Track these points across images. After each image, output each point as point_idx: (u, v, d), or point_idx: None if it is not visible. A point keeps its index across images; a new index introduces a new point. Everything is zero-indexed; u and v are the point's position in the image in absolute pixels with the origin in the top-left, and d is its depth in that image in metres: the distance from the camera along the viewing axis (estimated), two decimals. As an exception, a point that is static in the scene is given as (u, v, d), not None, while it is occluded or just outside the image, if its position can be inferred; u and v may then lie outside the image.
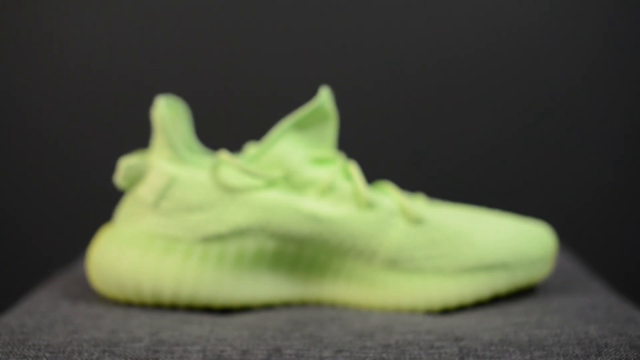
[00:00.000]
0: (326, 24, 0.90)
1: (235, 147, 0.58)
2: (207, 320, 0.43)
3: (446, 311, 0.46)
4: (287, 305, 0.47)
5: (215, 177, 0.44)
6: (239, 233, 0.44)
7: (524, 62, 0.91)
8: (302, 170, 0.45)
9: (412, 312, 0.45)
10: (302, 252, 0.45)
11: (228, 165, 0.45)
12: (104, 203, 0.65)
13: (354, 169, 0.46)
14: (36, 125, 0.91)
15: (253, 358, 0.38)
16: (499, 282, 0.46)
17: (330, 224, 0.45)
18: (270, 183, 0.45)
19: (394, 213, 0.45)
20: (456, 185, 0.92)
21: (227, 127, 0.90)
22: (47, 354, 0.38)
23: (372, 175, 0.50)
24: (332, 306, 0.47)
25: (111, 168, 0.46)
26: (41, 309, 0.44)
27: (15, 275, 0.90)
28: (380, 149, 0.92)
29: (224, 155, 0.44)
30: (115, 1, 0.89)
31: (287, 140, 0.45)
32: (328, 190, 0.45)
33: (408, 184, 0.55)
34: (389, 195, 0.47)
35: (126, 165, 0.45)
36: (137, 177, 0.45)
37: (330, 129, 0.46)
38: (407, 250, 0.45)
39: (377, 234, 0.45)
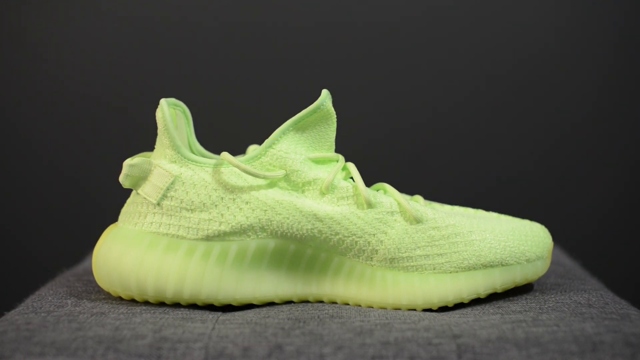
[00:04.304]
0: (327, 27, 0.91)
1: (236, 148, 0.58)
2: (209, 317, 0.43)
3: (444, 309, 0.46)
4: (288, 302, 0.47)
5: (217, 177, 0.45)
6: (240, 232, 0.45)
7: (522, 66, 0.92)
8: (302, 170, 0.46)
9: (411, 309, 0.46)
10: (302, 250, 0.46)
11: (229, 165, 0.45)
12: (109, 204, 0.65)
13: (353, 168, 0.47)
14: (40, 129, 0.91)
15: (254, 355, 0.38)
16: (497, 281, 0.47)
17: (331, 223, 0.45)
18: (271, 183, 0.45)
19: (393, 212, 0.46)
20: (454, 188, 0.93)
21: (229, 128, 0.90)
22: (53, 351, 0.38)
23: (371, 177, 0.50)
24: (332, 304, 0.47)
25: (116, 169, 0.47)
26: (46, 307, 0.45)
27: (21, 274, 0.90)
28: (380, 151, 0.92)
29: (225, 155, 0.45)
30: (121, 4, 0.90)
31: (287, 141, 0.46)
32: (328, 189, 0.46)
33: (407, 186, 0.55)
34: (388, 195, 0.47)
35: (129, 165, 0.45)
36: (140, 177, 0.46)
37: (331, 130, 0.47)
38: (406, 249, 0.46)
39: (377, 233, 0.46)
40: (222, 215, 0.45)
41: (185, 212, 0.45)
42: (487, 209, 0.53)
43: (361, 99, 0.91)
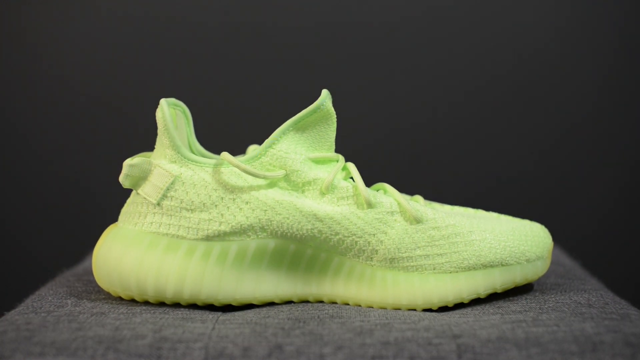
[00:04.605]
0: (327, 27, 0.91)
1: (236, 148, 0.58)
2: (209, 317, 0.43)
3: (444, 309, 0.46)
4: (288, 302, 0.47)
5: (217, 177, 0.45)
6: (240, 232, 0.45)
7: (522, 66, 0.92)
8: (302, 170, 0.46)
9: (411, 309, 0.46)
10: (302, 250, 0.46)
11: (229, 165, 0.45)
12: (108, 204, 0.65)
13: (353, 168, 0.47)
14: (40, 129, 0.91)
15: (254, 355, 0.38)
16: (497, 281, 0.47)
17: (331, 223, 0.45)
18: (271, 183, 0.45)
19: (393, 212, 0.46)
20: (454, 188, 0.93)
21: (229, 128, 0.90)
22: (53, 351, 0.38)
23: (371, 177, 0.50)
24: (332, 304, 0.47)
25: (116, 169, 0.47)
26: (46, 307, 0.45)
27: (21, 274, 0.90)
28: (380, 151, 0.92)
29: (225, 155, 0.45)
30: (121, 4, 0.90)
31: (287, 141, 0.46)
32: (328, 189, 0.46)
33: (407, 186, 0.55)
34: (388, 195, 0.47)
35: (129, 165, 0.45)
36: (140, 177, 0.46)
37: (331, 130, 0.47)
38: (406, 249, 0.46)
39: (377, 233, 0.46)
40: (222, 215, 0.45)
41: (185, 212, 0.45)
42: (487, 209, 0.53)
43: (361, 99, 0.91)
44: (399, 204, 0.46)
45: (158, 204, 0.45)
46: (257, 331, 0.41)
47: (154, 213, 0.45)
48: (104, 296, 0.48)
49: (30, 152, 0.91)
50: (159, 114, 0.45)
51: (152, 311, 0.44)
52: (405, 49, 0.91)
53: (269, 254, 0.46)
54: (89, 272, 0.55)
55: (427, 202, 0.50)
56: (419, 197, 0.50)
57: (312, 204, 0.45)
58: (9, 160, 0.91)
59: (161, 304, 0.45)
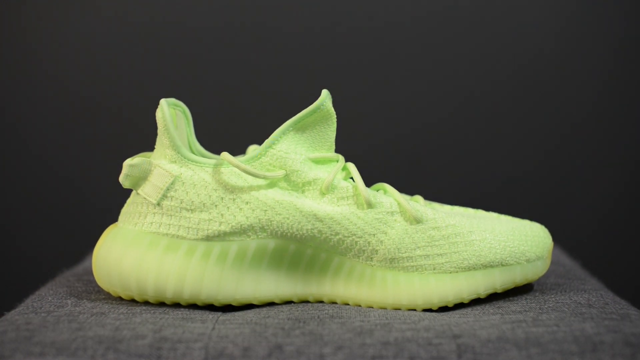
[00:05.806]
0: (327, 28, 0.91)
1: (236, 148, 0.58)
2: (209, 317, 0.43)
3: (444, 309, 0.46)
4: (288, 302, 0.47)
5: (217, 177, 0.45)
6: (240, 232, 0.45)
7: (522, 67, 0.92)
8: (302, 170, 0.46)
9: (411, 309, 0.46)
10: (302, 250, 0.46)
11: (229, 165, 0.45)
12: (108, 204, 0.65)
13: (353, 169, 0.47)
14: (40, 129, 0.91)
15: (254, 355, 0.38)
16: (497, 281, 0.47)
17: (331, 223, 0.45)
18: (271, 183, 0.45)
19: (393, 212, 0.46)
20: (454, 188, 0.93)
21: (229, 128, 0.90)
22: (53, 351, 0.38)
23: (371, 177, 0.50)
24: (332, 304, 0.47)
25: (116, 170, 0.47)
26: (46, 307, 0.45)
27: (21, 274, 0.90)
28: (380, 151, 0.92)
29: (225, 155, 0.45)
30: (121, 5, 0.90)
31: (288, 141, 0.46)
32: (328, 189, 0.46)
33: (407, 186, 0.55)
34: (388, 195, 0.47)
35: (129, 165, 0.45)
36: (140, 177, 0.46)
37: (331, 130, 0.47)
38: (406, 249, 0.46)
39: (377, 233, 0.46)
40: (222, 215, 0.45)
41: (185, 212, 0.45)
42: (487, 209, 0.53)
43: (361, 99, 0.91)
44: (399, 204, 0.46)
45: (158, 204, 0.45)
46: (257, 331, 0.41)
47: (154, 213, 0.45)
48: (104, 296, 0.48)
49: (30, 152, 0.91)
50: (159, 114, 0.45)
51: (152, 311, 0.44)
52: (405, 49, 0.91)
53: (269, 254, 0.46)
54: (89, 272, 0.55)
55: (427, 202, 0.50)
56: (419, 197, 0.50)
57: (312, 204, 0.45)
58: (9, 160, 0.91)
59: (161, 304, 0.45)
